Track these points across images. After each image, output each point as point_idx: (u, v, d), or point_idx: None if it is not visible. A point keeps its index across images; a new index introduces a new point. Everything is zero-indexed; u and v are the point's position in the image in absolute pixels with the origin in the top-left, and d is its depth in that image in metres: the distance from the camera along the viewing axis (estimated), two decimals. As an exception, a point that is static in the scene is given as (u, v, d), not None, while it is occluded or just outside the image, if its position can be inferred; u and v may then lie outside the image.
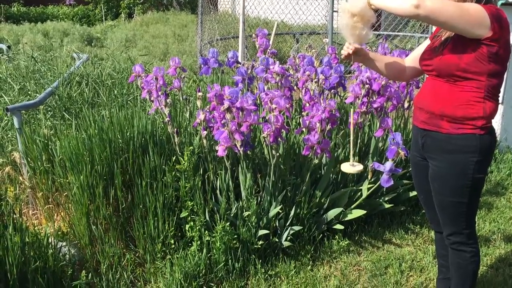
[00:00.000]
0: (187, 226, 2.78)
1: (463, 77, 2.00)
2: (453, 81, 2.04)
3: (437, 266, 2.63)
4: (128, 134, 2.93)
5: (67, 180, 2.87)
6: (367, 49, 2.68)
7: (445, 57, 2.03)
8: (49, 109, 4.11)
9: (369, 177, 2.94)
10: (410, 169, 2.44)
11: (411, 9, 1.87)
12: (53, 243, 2.66)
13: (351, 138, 2.65)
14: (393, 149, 2.63)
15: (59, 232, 2.84)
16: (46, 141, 3.08)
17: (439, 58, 2.05)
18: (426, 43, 2.28)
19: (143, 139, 2.96)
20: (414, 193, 3.35)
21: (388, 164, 2.62)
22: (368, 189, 3.01)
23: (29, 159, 3.08)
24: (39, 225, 2.96)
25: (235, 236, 2.77)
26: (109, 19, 15.18)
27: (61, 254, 2.70)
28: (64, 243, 2.79)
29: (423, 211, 3.13)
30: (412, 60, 2.36)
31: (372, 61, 2.34)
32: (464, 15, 1.88)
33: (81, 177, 2.73)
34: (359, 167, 2.59)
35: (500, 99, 3.88)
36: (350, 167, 2.58)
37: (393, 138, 2.64)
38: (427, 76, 2.23)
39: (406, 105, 3.39)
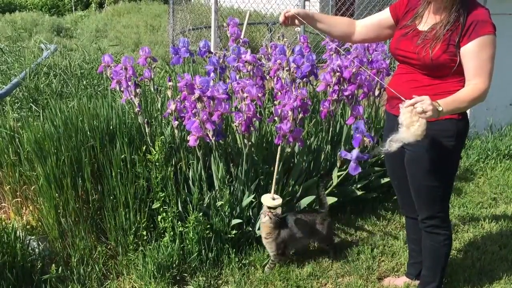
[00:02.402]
0: (159, 217, 2.76)
1: (449, 75, 2.05)
2: (438, 76, 2.07)
3: (408, 251, 2.68)
4: (95, 123, 2.87)
5: (35, 173, 2.81)
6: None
7: (438, 58, 2.03)
8: (16, 100, 4.01)
9: (338, 164, 2.96)
10: (382, 156, 2.45)
11: (485, 93, 1.98)
12: (21, 237, 2.61)
13: (276, 167, 2.51)
14: (358, 137, 2.64)
15: (27, 226, 2.78)
16: (12, 133, 3.01)
17: (429, 57, 2.04)
18: (385, 14, 2.26)
19: (110, 129, 2.91)
20: (386, 179, 3.39)
21: (355, 152, 2.64)
22: (338, 176, 3.03)
23: (-5, 152, 3.00)
24: (7, 220, 2.89)
25: (208, 226, 2.76)
26: (79, 9, 14.84)
27: (30, 248, 2.65)
28: (33, 237, 2.73)
29: (395, 197, 3.17)
30: (366, 26, 2.33)
31: (316, 21, 2.29)
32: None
33: (47, 168, 2.67)
34: (278, 201, 2.53)
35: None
36: (270, 199, 2.51)
37: (357, 127, 2.66)
38: (400, 64, 2.24)
39: (376, 92, 3.42)
